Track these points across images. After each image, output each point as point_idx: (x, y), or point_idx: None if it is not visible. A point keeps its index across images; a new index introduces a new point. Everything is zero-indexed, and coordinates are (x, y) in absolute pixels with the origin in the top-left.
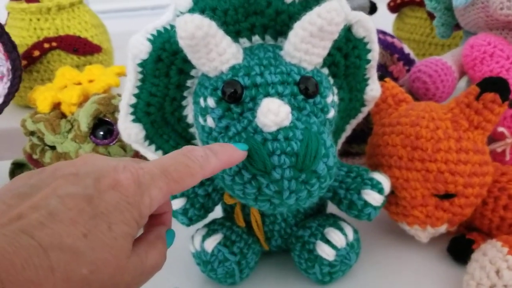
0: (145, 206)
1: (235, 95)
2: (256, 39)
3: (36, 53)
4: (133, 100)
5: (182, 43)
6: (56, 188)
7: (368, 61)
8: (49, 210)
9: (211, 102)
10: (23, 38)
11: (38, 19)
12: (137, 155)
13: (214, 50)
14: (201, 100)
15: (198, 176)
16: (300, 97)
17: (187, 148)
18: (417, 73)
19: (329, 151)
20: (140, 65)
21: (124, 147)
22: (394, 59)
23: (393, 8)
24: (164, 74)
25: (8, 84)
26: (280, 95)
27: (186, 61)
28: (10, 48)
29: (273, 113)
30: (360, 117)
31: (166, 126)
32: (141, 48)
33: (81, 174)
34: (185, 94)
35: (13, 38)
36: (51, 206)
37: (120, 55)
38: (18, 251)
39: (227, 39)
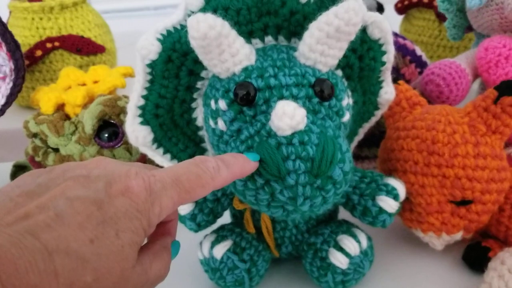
0: (155, 214)
1: (247, 97)
2: (269, 39)
3: (39, 52)
4: (142, 102)
5: (194, 43)
6: (66, 190)
7: (383, 63)
8: (57, 212)
9: (222, 104)
10: (25, 38)
11: (41, 18)
12: (143, 158)
13: (226, 50)
14: (212, 102)
15: (209, 187)
16: (315, 99)
17: (200, 158)
18: (430, 76)
19: (345, 156)
20: (149, 65)
21: (129, 149)
22: (406, 61)
23: (400, 9)
24: (174, 75)
25: (11, 84)
26: (294, 98)
27: (196, 62)
28: (13, 47)
29: (288, 116)
30: (373, 120)
31: (175, 128)
32: (151, 48)
33: (92, 177)
34: (195, 96)
35: (15, 38)
36: (59, 208)
37: (123, 55)
38: (23, 253)
39: (240, 40)
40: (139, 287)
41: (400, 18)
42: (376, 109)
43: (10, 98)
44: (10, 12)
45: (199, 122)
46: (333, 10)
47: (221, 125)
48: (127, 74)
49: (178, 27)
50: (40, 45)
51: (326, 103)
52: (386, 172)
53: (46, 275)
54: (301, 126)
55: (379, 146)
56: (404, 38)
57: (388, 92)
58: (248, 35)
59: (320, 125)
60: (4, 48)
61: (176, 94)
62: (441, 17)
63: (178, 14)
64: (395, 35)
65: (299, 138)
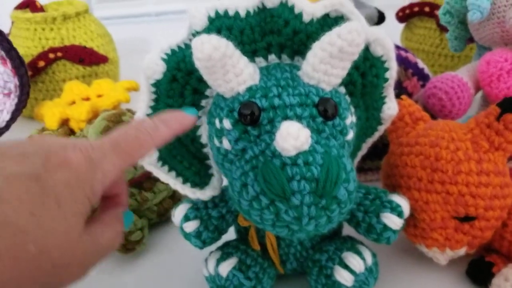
0: (98, 181)
1: (252, 117)
2: (273, 58)
3: (41, 63)
4: None
5: (198, 64)
6: (2, 169)
7: (386, 80)
8: None
9: (227, 123)
10: (28, 48)
11: (43, 29)
12: (146, 173)
13: (231, 71)
14: (217, 121)
15: (149, 146)
16: (319, 119)
17: (136, 121)
18: (432, 89)
19: (349, 176)
20: (154, 85)
21: (134, 164)
22: (408, 74)
23: (401, 18)
24: (179, 94)
25: (16, 100)
26: (298, 118)
27: (201, 80)
28: (18, 64)
29: (293, 137)
30: (377, 135)
31: (180, 146)
32: (156, 68)
33: (28, 153)
34: (199, 114)
35: (18, 48)
36: None
37: (125, 62)
38: None
39: (244, 60)
40: (90, 256)
41: (400, 26)
42: (379, 124)
43: (15, 114)
44: (12, 23)
45: (204, 139)
46: (336, 30)
47: (226, 144)
48: (131, 88)
49: (183, 46)
50: (43, 55)
51: (330, 122)
52: (390, 187)
53: None
54: (306, 147)
55: (381, 158)
56: (406, 51)
57: (391, 107)
58: (251, 54)
59: (324, 144)
60: (9, 64)
61: None
62: (442, 26)
63: (182, 33)
64: (397, 47)
65: (303, 159)
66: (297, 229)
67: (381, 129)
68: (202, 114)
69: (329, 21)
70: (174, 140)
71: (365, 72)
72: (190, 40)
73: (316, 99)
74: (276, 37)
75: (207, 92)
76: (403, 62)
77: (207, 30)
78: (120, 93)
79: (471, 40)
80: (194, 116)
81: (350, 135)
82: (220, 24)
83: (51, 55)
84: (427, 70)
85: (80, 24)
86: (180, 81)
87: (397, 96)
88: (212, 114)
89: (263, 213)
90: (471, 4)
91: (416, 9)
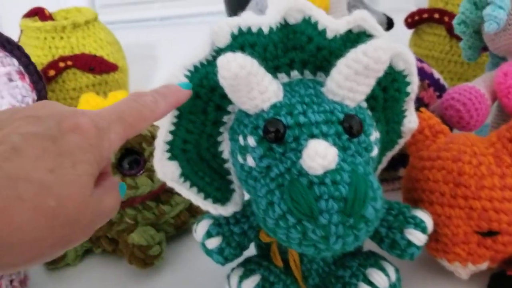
0: (105, 149)
1: (277, 134)
2: (295, 74)
3: (52, 72)
4: (169, 137)
5: (223, 82)
6: (18, 127)
7: (407, 94)
8: (12, 146)
9: (251, 141)
10: (37, 57)
11: (53, 38)
12: (163, 186)
13: (255, 88)
14: (240, 138)
15: (150, 120)
16: (345, 136)
17: (137, 94)
18: (450, 101)
19: (376, 194)
20: None
21: (151, 177)
22: (425, 85)
23: (410, 24)
24: (201, 111)
25: None
26: (324, 135)
27: (223, 97)
28: (36, 78)
29: (321, 156)
30: (397, 148)
31: (201, 162)
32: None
33: (41, 116)
34: (221, 130)
35: None
36: (14, 143)
37: (131, 68)
38: None
39: (268, 77)
40: (95, 216)
41: (407, 30)
42: (400, 137)
43: None
44: (21, 31)
45: (225, 155)
46: (361, 48)
47: (250, 161)
48: None
49: (205, 62)
50: (53, 64)
51: (356, 140)
52: (411, 201)
53: (11, 200)
54: (333, 165)
55: (397, 169)
56: (421, 61)
57: (411, 121)
58: (274, 70)
59: (351, 162)
60: (27, 79)
61: (203, 129)
62: (452, 33)
63: (204, 49)
64: None
65: (331, 178)
66: (324, 248)
67: (401, 142)
68: (224, 130)
69: (351, 37)
70: (195, 156)
71: (386, 87)
72: (212, 56)
73: (341, 116)
74: (299, 53)
75: (229, 108)
76: (419, 72)
77: (230, 46)
78: None
79: (485, 49)
80: (189, 90)
81: (375, 152)
82: (243, 40)
83: (61, 64)
84: (442, 80)
85: (90, 32)
86: (203, 98)
87: (416, 109)
88: (235, 131)
89: (290, 232)
90: (488, 15)
91: (425, 15)
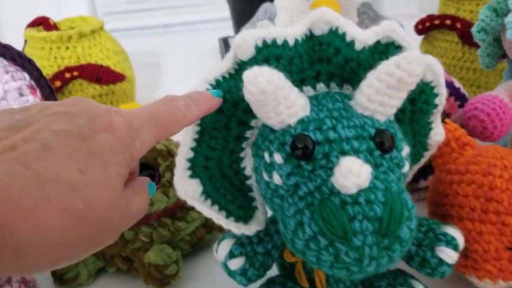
0: (136, 149)
1: (305, 151)
2: (321, 86)
3: (58, 83)
4: (191, 154)
5: (250, 97)
6: (49, 124)
7: (435, 106)
8: (43, 144)
9: (278, 158)
10: (43, 68)
11: (59, 48)
12: (178, 202)
13: (282, 103)
14: (266, 155)
15: (182, 124)
16: (377, 152)
17: (170, 97)
18: (473, 111)
19: (411, 213)
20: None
21: (167, 193)
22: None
23: (420, 30)
24: (224, 126)
25: None
26: (355, 152)
27: (246, 111)
28: (48, 92)
29: (355, 174)
30: (422, 162)
31: (223, 179)
32: None
33: (73, 113)
34: (243, 145)
35: None
36: (45, 140)
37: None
38: (16, 180)
39: (295, 91)
40: (123, 219)
41: (416, 36)
42: (426, 150)
43: None
44: (26, 41)
45: (248, 171)
46: (394, 60)
47: (277, 179)
48: None
49: (227, 76)
50: (59, 75)
51: (387, 155)
52: (439, 216)
53: (40, 201)
54: (367, 184)
55: (418, 180)
56: None
57: (438, 133)
58: (299, 83)
59: (384, 180)
60: (39, 94)
61: (225, 145)
62: (464, 39)
63: (226, 63)
64: None
65: (365, 197)
66: (356, 270)
67: (427, 156)
68: (246, 146)
69: (380, 48)
70: (217, 173)
71: (415, 99)
72: (235, 69)
73: (372, 131)
74: (326, 66)
75: (252, 123)
76: None
77: (254, 59)
78: None
79: (503, 56)
80: (220, 98)
81: (406, 167)
82: (268, 53)
83: (67, 75)
84: (463, 89)
85: (96, 42)
86: (226, 113)
87: (442, 120)
88: (259, 147)
89: (321, 254)
90: (510, 23)
91: (436, 21)
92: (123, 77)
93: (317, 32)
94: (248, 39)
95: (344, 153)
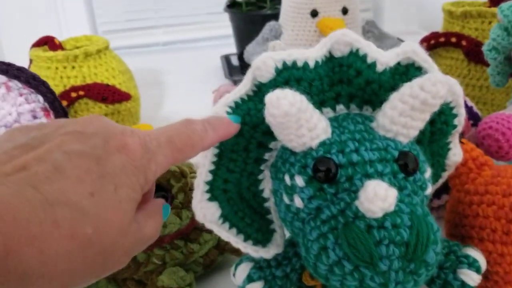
0: (151, 171)
1: (328, 174)
2: (341, 108)
3: (64, 103)
4: (210, 177)
5: (272, 120)
6: (62, 144)
7: (455, 127)
8: (55, 165)
9: (299, 180)
10: None
11: (65, 67)
12: (192, 224)
13: (304, 125)
14: (287, 178)
15: (198, 148)
16: (401, 175)
17: (188, 121)
18: (488, 130)
19: (437, 236)
20: None
21: (180, 214)
22: None
23: (426, 48)
24: (243, 149)
25: None
26: (379, 175)
27: (266, 133)
28: (61, 115)
29: (381, 198)
30: (440, 182)
31: (241, 202)
32: None
33: (87, 133)
34: (262, 167)
35: None
36: (57, 161)
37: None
38: (23, 203)
39: (317, 113)
40: (134, 244)
41: None
42: (444, 171)
43: None
44: (31, 61)
45: (266, 193)
46: (418, 82)
47: (298, 202)
48: None
49: (246, 98)
50: (64, 95)
51: (411, 178)
52: (458, 238)
53: (46, 226)
54: (392, 207)
55: (431, 199)
56: None
57: (456, 154)
58: (319, 105)
59: (409, 203)
60: (52, 116)
61: (244, 167)
62: (470, 57)
63: (245, 84)
64: None
65: (391, 221)
66: None
67: (445, 176)
68: (265, 168)
69: (400, 69)
70: (236, 196)
71: (434, 120)
72: (254, 91)
73: (396, 154)
74: (346, 87)
75: (271, 145)
76: None
77: (274, 81)
78: None
79: None
80: (238, 124)
81: (429, 189)
82: (288, 75)
83: (73, 94)
84: (475, 108)
85: (101, 61)
86: (245, 135)
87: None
88: (279, 169)
89: (346, 279)
90: None
91: (442, 39)
92: (129, 96)
93: (337, 54)
94: (268, 61)
95: (368, 176)
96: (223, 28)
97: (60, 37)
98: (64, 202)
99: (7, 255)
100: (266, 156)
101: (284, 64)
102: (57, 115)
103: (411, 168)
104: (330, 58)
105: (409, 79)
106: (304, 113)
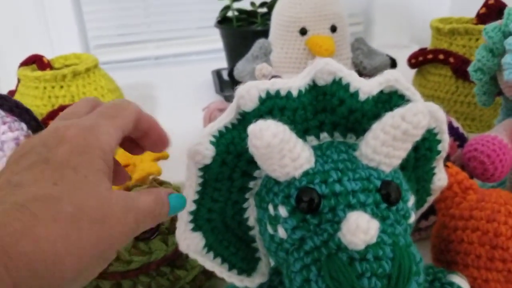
0: (104, 142)
1: (311, 205)
2: (324, 136)
3: None
4: (194, 207)
5: (255, 151)
6: (12, 170)
7: (439, 152)
8: (13, 185)
9: (282, 211)
10: (37, 107)
11: (53, 87)
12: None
13: (287, 155)
14: (270, 208)
15: (130, 110)
16: (383, 205)
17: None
18: (473, 152)
19: (419, 267)
20: (202, 169)
21: (166, 240)
22: None
23: (414, 64)
24: (227, 178)
25: None
26: (362, 205)
27: (250, 162)
28: None
29: (363, 231)
30: (425, 206)
31: (226, 231)
32: (205, 153)
33: (28, 151)
34: (246, 196)
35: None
36: (13, 182)
37: None
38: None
39: (300, 143)
40: (128, 211)
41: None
42: (429, 195)
43: None
44: (19, 80)
45: (251, 222)
46: (400, 112)
47: (282, 232)
48: (161, 158)
49: (230, 126)
50: (52, 114)
51: (394, 208)
52: (444, 263)
53: (26, 220)
54: (374, 239)
55: (419, 220)
56: None
57: (441, 178)
58: (303, 133)
59: (391, 233)
60: None
61: (229, 196)
62: (458, 73)
63: (229, 113)
64: None
65: (373, 253)
66: None
67: (430, 200)
68: (249, 196)
69: (383, 97)
70: (220, 225)
71: (418, 146)
72: (238, 120)
73: (378, 183)
74: (329, 116)
75: (256, 174)
76: None
77: (257, 110)
78: (150, 165)
79: (499, 93)
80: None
81: (413, 218)
82: (272, 104)
83: None
84: (461, 128)
85: (90, 80)
86: (230, 165)
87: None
88: (263, 199)
89: None
90: (507, 64)
91: (430, 56)
92: None
93: (321, 82)
94: (252, 90)
95: (350, 206)
96: (215, 42)
97: (51, 52)
98: (32, 198)
99: (9, 259)
100: (251, 184)
101: (268, 93)
102: None
103: (394, 198)
104: (313, 87)
105: (392, 107)
106: (287, 144)
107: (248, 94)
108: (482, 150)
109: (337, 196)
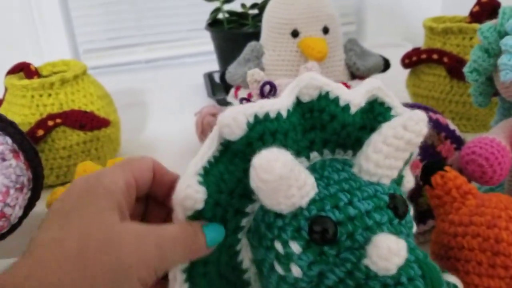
0: (108, 181)
1: (327, 234)
2: (315, 155)
3: (40, 132)
4: (186, 264)
5: (263, 186)
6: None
7: (407, 161)
8: (31, 239)
9: (295, 246)
10: (25, 116)
11: (41, 95)
12: None
13: (294, 185)
14: (278, 245)
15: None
16: (396, 221)
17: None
18: (471, 155)
19: (441, 280)
20: (193, 217)
21: None
22: (441, 137)
23: (407, 65)
24: (220, 220)
25: (29, 194)
26: (378, 225)
27: (242, 197)
28: (32, 155)
29: (395, 254)
30: None
31: (220, 281)
32: (196, 197)
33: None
34: (239, 236)
35: (14, 117)
36: (32, 238)
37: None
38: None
39: (303, 169)
40: (143, 237)
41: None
42: None
43: (28, 209)
44: (6, 89)
45: (245, 264)
46: (400, 122)
47: (296, 271)
48: None
49: (213, 160)
50: (41, 124)
51: (403, 221)
52: (443, 269)
53: (33, 264)
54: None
55: (417, 225)
56: (434, 112)
57: (409, 181)
58: (295, 156)
59: (410, 249)
60: (22, 157)
61: (223, 241)
62: (452, 73)
63: (209, 145)
64: (426, 109)
65: (406, 275)
66: None
67: None
68: (242, 236)
69: (365, 107)
70: (215, 276)
71: None
72: (220, 151)
73: (386, 198)
74: (319, 133)
75: (248, 209)
76: (434, 124)
77: (246, 138)
78: None
79: (495, 94)
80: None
81: (415, 227)
82: (263, 129)
83: (50, 123)
84: (458, 131)
85: (79, 87)
86: (223, 205)
87: (433, 162)
88: (263, 236)
89: None
90: (503, 65)
91: (423, 56)
92: (108, 123)
93: (305, 98)
94: (239, 116)
95: (368, 229)
96: (207, 44)
97: (40, 57)
98: (39, 244)
99: None
100: (243, 222)
101: (256, 117)
102: (27, 156)
103: (402, 211)
104: (298, 104)
105: (375, 116)
106: (293, 172)
107: (235, 121)
108: (480, 153)
109: (353, 220)
